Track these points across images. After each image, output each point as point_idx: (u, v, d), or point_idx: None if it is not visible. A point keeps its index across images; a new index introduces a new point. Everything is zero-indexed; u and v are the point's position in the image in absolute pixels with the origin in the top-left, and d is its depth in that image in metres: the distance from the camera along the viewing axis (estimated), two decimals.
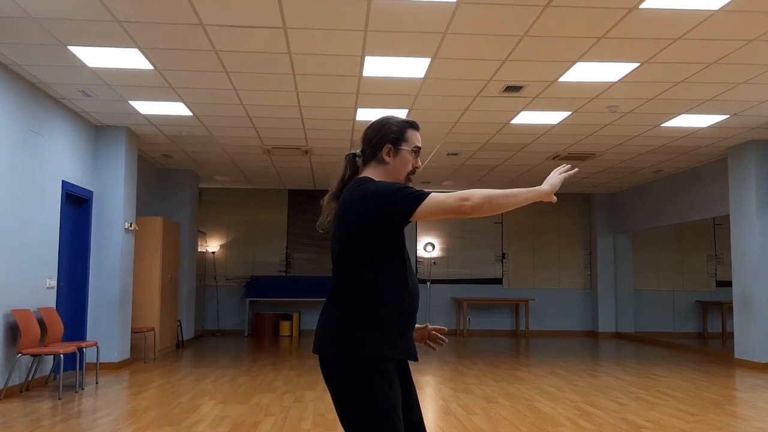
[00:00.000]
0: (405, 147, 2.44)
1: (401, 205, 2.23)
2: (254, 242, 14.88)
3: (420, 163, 2.50)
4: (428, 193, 2.23)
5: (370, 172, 2.42)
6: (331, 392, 2.26)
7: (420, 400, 2.53)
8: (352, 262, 2.28)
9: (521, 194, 2.24)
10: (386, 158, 2.42)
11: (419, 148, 2.48)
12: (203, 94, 7.60)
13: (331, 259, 2.37)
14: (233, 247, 14.88)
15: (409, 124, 2.47)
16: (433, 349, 2.59)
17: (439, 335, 2.60)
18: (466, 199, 2.18)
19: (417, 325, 2.47)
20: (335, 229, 2.34)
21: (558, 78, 6.92)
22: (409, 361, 2.37)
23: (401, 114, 8.35)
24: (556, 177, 2.33)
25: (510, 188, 2.26)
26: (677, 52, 6.16)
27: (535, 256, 15.43)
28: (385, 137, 2.43)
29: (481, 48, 6.09)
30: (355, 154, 2.49)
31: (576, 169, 2.42)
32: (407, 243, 2.37)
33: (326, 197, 2.47)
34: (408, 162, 2.45)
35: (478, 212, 2.19)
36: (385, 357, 2.23)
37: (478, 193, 2.19)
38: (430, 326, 2.59)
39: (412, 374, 2.42)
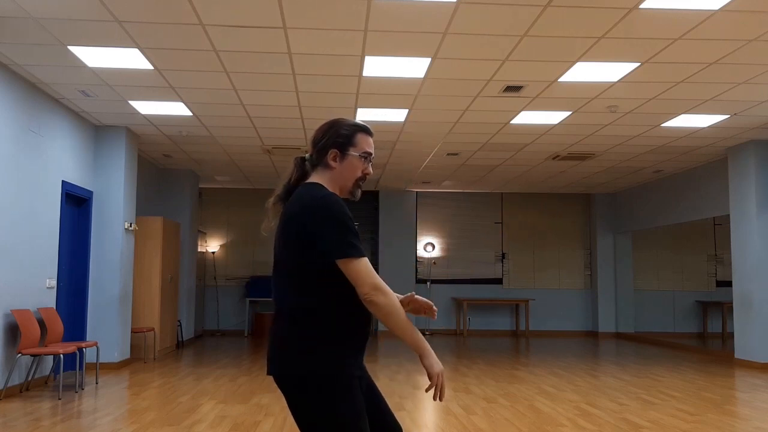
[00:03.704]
0: (353, 152, 2.32)
1: (327, 244, 2.13)
2: (254, 242, 14.88)
3: (371, 170, 2.37)
4: (361, 252, 2.13)
5: (317, 177, 2.33)
6: (294, 411, 2.16)
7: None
8: (308, 274, 2.16)
9: (410, 334, 2.15)
10: (332, 163, 2.31)
11: (369, 154, 2.35)
12: (203, 94, 7.60)
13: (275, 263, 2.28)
14: (233, 247, 14.89)
15: (360, 128, 2.35)
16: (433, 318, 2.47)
17: (430, 309, 2.42)
18: (375, 295, 2.11)
19: (401, 297, 2.33)
20: (283, 237, 2.22)
21: (558, 78, 6.92)
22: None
23: (401, 114, 8.35)
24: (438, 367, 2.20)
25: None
26: (677, 52, 6.16)
27: (535, 256, 15.43)
28: (331, 141, 2.32)
29: (481, 48, 6.09)
30: (303, 158, 2.39)
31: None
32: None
33: (271, 199, 2.37)
34: (356, 168, 2.32)
35: (372, 308, 2.13)
36: (351, 373, 2.16)
37: (387, 301, 2.11)
38: (416, 296, 2.39)
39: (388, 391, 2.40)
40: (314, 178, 2.33)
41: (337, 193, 2.33)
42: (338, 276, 2.15)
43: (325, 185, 2.31)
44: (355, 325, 2.20)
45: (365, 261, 2.15)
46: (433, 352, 2.18)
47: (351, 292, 2.16)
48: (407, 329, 2.14)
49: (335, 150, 2.32)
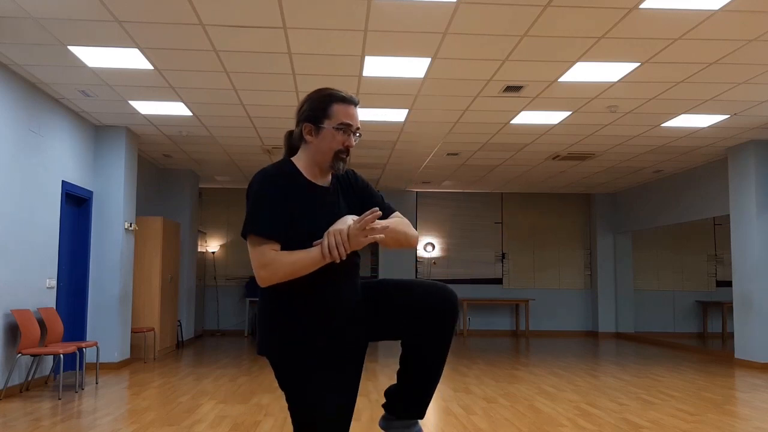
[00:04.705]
0: (327, 125, 2.22)
1: (245, 221, 2.18)
2: None
3: (353, 142, 2.25)
4: (256, 230, 2.13)
5: (301, 152, 2.30)
6: None
7: None
8: None
9: (308, 267, 2.13)
10: (308, 137, 2.26)
11: (348, 125, 2.23)
12: (203, 94, 7.60)
13: None
14: (233, 247, 14.89)
15: (337, 98, 2.24)
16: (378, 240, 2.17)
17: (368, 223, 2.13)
18: (260, 269, 2.14)
19: (334, 228, 2.15)
20: None
21: (558, 78, 6.92)
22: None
23: (401, 114, 8.35)
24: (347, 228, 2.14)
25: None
26: (677, 52, 6.16)
27: (535, 256, 15.43)
28: (305, 114, 2.26)
29: (481, 48, 6.09)
30: (291, 132, 2.36)
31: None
32: None
33: None
34: (333, 140, 2.22)
35: (263, 278, 2.15)
36: (300, 355, 2.20)
37: (270, 266, 2.11)
38: (350, 227, 2.14)
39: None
40: (299, 152, 2.31)
41: (319, 168, 2.28)
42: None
43: (306, 160, 2.28)
44: (302, 303, 2.19)
45: (255, 240, 2.13)
46: (324, 237, 2.12)
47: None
48: (306, 268, 2.12)
49: (309, 124, 2.26)
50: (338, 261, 2.11)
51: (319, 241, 2.12)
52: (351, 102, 2.26)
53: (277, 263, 2.11)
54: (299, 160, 2.30)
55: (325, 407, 2.17)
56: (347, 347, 2.27)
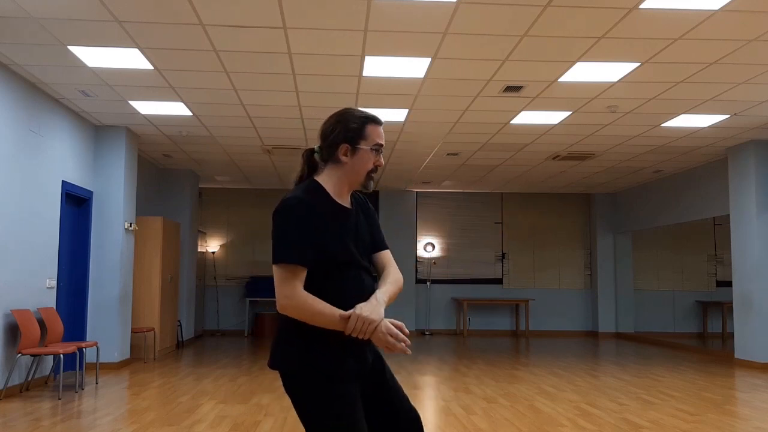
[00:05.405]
0: (364, 146, 2.27)
1: (273, 249, 2.18)
2: (254, 242, 14.88)
3: (382, 161, 2.33)
4: (287, 259, 2.14)
5: (328, 172, 2.31)
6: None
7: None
8: None
9: (329, 318, 2.14)
10: (343, 158, 2.27)
11: (381, 146, 2.30)
12: (203, 94, 7.60)
13: None
14: (233, 247, 14.89)
15: (370, 119, 2.30)
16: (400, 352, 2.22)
17: (396, 338, 2.18)
18: (284, 302, 2.14)
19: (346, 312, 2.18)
20: None
21: (558, 78, 6.92)
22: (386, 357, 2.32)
23: (401, 114, 8.35)
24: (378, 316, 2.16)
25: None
26: (677, 52, 6.16)
27: (535, 256, 15.43)
28: (341, 135, 2.27)
29: (481, 48, 6.09)
30: (313, 150, 2.34)
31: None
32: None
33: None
34: (368, 161, 2.28)
35: (284, 311, 2.16)
36: (318, 370, 2.17)
37: (294, 305, 2.13)
38: (383, 325, 2.17)
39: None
40: (326, 172, 2.32)
41: (349, 187, 2.32)
42: (309, 278, 2.19)
43: (336, 180, 2.30)
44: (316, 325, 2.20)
45: (286, 268, 2.14)
46: (355, 315, 2.13)
47: (317, 293, 2.17)
48: (324, 325, 2.14)
49: (346, 144, 2.28)
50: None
51: (348, 312, 2.14)
52: (380, 122, 2.34)
53: (302, 305, 2.14)
54: (327, 181, 2.31)
55: (357, 424, 2.17)
56: (365, 368, 2.29)
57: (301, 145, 10.18)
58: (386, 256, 2.43)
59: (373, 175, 2.32)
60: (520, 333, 15.09)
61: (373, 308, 2.16)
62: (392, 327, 2.17)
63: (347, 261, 2.23)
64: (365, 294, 2.24)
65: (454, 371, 8.93)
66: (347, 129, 2.28)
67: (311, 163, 2.36)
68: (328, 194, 2.29)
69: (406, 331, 2.20)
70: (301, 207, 2.18)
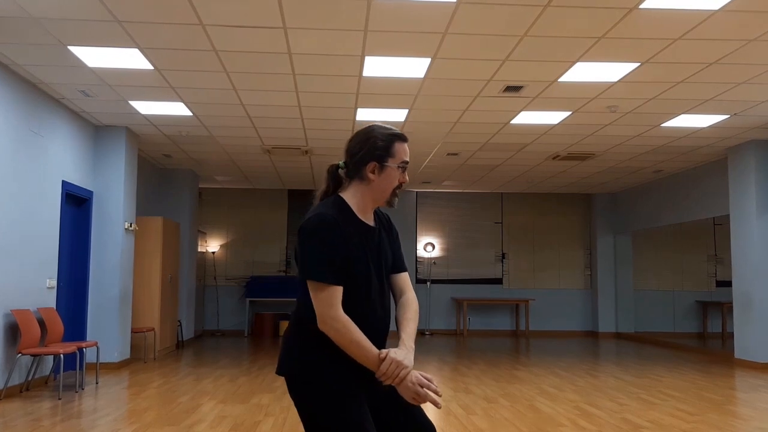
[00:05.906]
0: (391, 163, 2.29)
1: (302, 265, 2.19)
2: (254, 242, 14.88)
3: (407, 179, 2.35)
4: (322, 279, 2.14)
5: (354, 189, 2.31)
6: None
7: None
8: (302, 287, 2.24)
9: (361, 358, 2.15)
10: (371, 176, 2.28)
11: (407, 163, 2.32)
12: (203, 94, 7.60)
13: None
14: (233, 247, 14.89)
15: (397, 137, 2.31)
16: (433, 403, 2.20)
17: (427, 391, 2.18)
18: (323, 325, 2.14)
19: (383, 352, 2.20)
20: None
21: (558, 78, 6.92)
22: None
23: (401, 114, 8.35)
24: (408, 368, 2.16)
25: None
26: (677, 52, 6.16)
27: (535, 256, 15.43)
28: (369, 153, 2.28)
29: (481, 48, 6.09)
30: (337, 166, 2.35)
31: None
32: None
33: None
34: (394, 178, 2.30)
35: (323, 328, 2.16)
36: (329, 380, 2.19)
37: (336, 328, 2.13)
38: (413, 374, 2.17)
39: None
40: (351, 188, 2.32)
41: (373, 204, 2.34)
42: None
43: (360, 197, 2.31)
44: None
45: (326, 288, 2.15)
46: (389, 359, 2.14)
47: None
48: (356, 357, 2.16)
49: (374, 162, 2.28)
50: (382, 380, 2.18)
51: (385, 351, 2.15)
52: (407, 140, 2.35)
53: (343, 331, 2.15)
54: (351, 198, 2.32)
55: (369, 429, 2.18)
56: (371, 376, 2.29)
57: (301, 145, 10.18)
58: (404, 279, 2.44)
59: (398, 191, 2.33)
60: (520, 333, 15.09)
61: (405, 355, 2.18)
62: (422, 378, 2.17)
63: (366, 281, 2.25)
64: (377, 314, 2.27)
65: (454, 371, 8.93)
66: (375, 147, 2.28)
67: (336, 178, 2.36)
68: (353, 212, 2.30)
69: (435, 384, 2.19)
70: (332, 225, 2.20)
